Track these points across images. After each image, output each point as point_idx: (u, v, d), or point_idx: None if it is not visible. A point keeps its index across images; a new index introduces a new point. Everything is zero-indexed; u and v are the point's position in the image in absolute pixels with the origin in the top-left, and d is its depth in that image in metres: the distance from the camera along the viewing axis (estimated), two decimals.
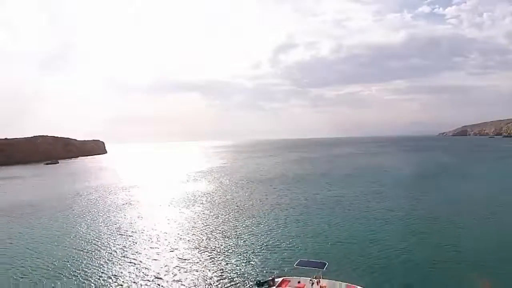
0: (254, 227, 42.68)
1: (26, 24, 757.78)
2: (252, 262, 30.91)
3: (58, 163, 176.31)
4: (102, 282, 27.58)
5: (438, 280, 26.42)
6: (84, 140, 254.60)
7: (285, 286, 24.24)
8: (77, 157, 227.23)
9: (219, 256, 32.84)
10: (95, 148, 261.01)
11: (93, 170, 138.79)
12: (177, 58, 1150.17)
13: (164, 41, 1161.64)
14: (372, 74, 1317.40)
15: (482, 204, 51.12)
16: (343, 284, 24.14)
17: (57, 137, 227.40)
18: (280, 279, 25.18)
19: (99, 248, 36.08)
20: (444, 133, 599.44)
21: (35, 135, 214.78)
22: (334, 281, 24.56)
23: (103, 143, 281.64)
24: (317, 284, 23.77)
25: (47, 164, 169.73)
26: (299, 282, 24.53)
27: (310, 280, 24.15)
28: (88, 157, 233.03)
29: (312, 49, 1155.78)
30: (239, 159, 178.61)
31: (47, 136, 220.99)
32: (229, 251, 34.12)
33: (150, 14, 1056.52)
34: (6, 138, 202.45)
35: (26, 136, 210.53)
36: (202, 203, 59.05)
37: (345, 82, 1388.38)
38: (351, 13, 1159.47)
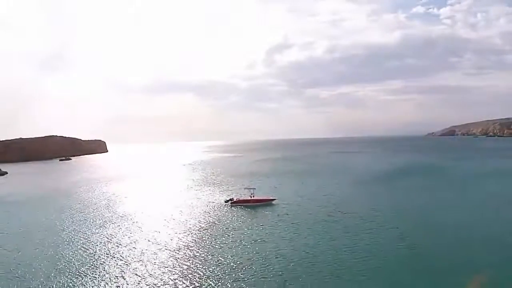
0: (229, 185, 74.19)
1: (26, 24, 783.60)
2: (223, 193, 63.02)
3: (71, 159, 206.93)
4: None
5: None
6: (88, 140, 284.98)
7: (239, 199, 55.85)
8: (82, 155, 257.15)
9: (202, 197, 64.42)
10: (98, 147, 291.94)
11: (103, 165, 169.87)
12: (177, 58, 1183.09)
13: (164, 41, 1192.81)
14: (368, 74, 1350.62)
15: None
16: (264, 196, 55.93)
17: (65, 136, 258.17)
18: (236, 197, 56.93)
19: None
20: (432, 133, 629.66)
21: (41, 135, 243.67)
22: (260, 197, 56.32)
23: (105, 142, 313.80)
24: (252, 197, 55.41)
25: (61, 160, 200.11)
26: (243, 197, 56.21)
27: (249, 196, 55.79)
28: (92, 155, 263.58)
29: (308, 49, 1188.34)
30: (235, 158, 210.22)
31: (56, 136, 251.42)
32: (206, 193, 65.79)
33: (150, 14, 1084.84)
34: (21, 138, 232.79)
35: (38, 136, 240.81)
36: (189, 184, 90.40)
37: (340, 82, 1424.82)
38: (346, 13, 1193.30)
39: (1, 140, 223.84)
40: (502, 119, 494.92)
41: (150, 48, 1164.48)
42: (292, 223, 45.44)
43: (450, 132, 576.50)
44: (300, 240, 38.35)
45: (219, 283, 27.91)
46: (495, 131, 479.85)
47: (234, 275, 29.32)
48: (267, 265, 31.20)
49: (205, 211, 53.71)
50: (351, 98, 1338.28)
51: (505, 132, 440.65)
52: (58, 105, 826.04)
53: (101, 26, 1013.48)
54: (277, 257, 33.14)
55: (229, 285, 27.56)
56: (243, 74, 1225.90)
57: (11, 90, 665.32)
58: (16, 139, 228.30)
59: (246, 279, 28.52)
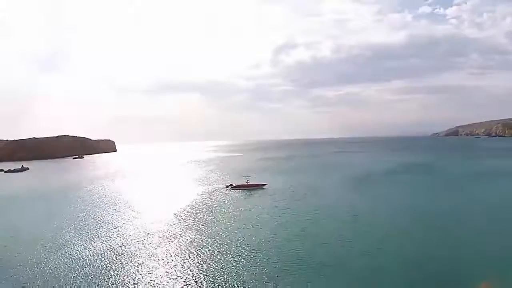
0: (229, 176, 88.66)
1: (26, 24, 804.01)
2: (224, 181, 77.61)
3: (83, 157, 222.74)
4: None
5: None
6: (98, 139, 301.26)
7: (237, 184, 70.62)
8: (93, 154, 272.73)
9: (207, 184, 79.05)
10: (107, 146, 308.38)
11: (116, 163, 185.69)
12: (177, 58, 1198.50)
13: (164, 41, 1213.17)
14: (372, 74, 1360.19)
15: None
16: (257, 182, 70.77)
17: (76, 136, 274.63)
18: (235, 183, 71.77)
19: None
20: (436, 133, 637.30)
21: (41, 134, 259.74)
22: (254, 182, 71.08)
23: (114, 142, 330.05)
24: (247, 182, 70.28)
25: (74, 158, 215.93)
26: (240, 183, 71.04)
27: (245, 182, 70.63)
28: (102, 154, 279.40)
29: (312, 49, 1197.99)
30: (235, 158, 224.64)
31: (67, 135, 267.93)
32: (210, 181, 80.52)
33: (150, 14, 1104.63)
34: (34, 137, 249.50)
35: (50, 136, 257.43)
36: (189, 177, 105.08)
37: (345, 82, 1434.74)
38: (351, 13, 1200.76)
39: (15, 139, 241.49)
40: (505, 119, 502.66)
41: (150, 48, 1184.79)
42: (276, 201, 60.81)
43: (455, 133, 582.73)
44: (279, 213, 53.39)
45: (219, 244, 41.72)
46: (497, 131, 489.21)
47: (228, 238, 42.86)
48: (254, 230, 45.04)
49: (209, 193, 68.74)
50: (356, 98, 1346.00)
51: (507, 132, 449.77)
52: (59, 106, 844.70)
53: (101, 26, 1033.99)
54: (261, 224, 47.65)
55: (226, 243, 42.59)
56: (248, 74, 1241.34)
57: (11, 90, 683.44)
58: (29, 138, 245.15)
59: (238, 239, 41.56)
